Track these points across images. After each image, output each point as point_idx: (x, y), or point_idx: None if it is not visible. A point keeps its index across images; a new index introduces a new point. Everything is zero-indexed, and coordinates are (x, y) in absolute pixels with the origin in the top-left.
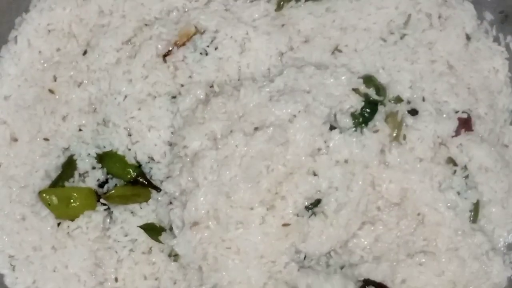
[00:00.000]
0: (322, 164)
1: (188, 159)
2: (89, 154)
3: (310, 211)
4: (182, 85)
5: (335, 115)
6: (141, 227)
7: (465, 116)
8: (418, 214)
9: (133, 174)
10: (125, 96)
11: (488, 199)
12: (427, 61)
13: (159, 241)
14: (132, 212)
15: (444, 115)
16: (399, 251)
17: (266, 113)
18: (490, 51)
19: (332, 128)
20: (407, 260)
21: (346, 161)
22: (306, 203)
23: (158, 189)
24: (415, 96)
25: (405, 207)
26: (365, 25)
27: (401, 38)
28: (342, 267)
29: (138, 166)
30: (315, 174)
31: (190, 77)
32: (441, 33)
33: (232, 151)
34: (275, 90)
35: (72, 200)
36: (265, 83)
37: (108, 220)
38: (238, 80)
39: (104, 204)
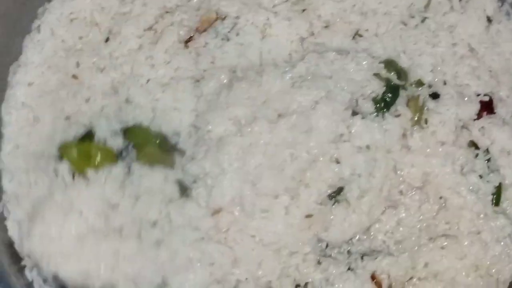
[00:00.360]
0: (344, 151)
1: (213, 144)
2: (111, 128)
3: (333, 199)
4: (204, 70)
5: (356, 101)
6: None
7: (486, 99)
8: (440, 198)
9: (157, 141)
10: (148, 80)
11: (510, 182)
12: (448, 44)
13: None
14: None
15: (466, 98)
16: (421, 235)
17: (288, 100)
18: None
19: (354, 113)
20: (429, 244)
21: (368, 147)
22: (329, 191)
23: (183, 153)
24: (436, 79)
25: (427, 191)
26: (386, 9)
27: (422, 21)
28: (363, 255)
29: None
30: (337, 162)
31: (212, 62)
32: (462, 16)
33: (256, 138)
34: (297, 75)
35: (92, 156)
36: (287, 69)
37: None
38: (260, 65)
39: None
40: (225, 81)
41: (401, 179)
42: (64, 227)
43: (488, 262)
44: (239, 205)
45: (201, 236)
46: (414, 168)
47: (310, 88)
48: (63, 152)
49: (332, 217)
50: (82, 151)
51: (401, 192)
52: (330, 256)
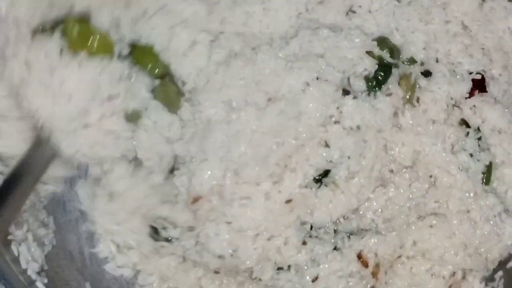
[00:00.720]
0: (334, 134)
1: (201, 127)
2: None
3: (318, 183)
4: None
5: (348, 79)
6: None
7: (479, 77)
8: (430, 177)
9: (161, 70)
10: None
11: (501, 160)
12: (441, 21)
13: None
14: None
15: (458, 77)
16: (410, 214)
17: (280, 82)
18: (505, 11)
19: (345, 93)
20: (418, 223)
21: (358, 128)
22: (315, 175)
23: (183, 94)
24: (428, 57)
25: (417, 170)
26: None
27: None
28: (350, 234)
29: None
30: (326, 145)
31: (221, 23)
32: None
33: (243, 126)
34: (291, 53)
35: (92, 38)
36: (282, 46)
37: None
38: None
39: None
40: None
41: (391, 157)
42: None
43: (477, 241)
44: (217, 193)
45: None
46: (405, 147)
47: (302, 69)
48: (65, 26)
49: (317, 200)
50: (84, 32)
51: (391, 171)
52: (316, 236)
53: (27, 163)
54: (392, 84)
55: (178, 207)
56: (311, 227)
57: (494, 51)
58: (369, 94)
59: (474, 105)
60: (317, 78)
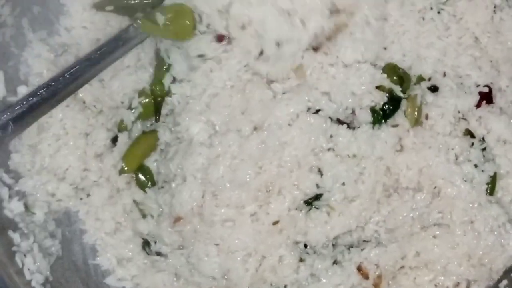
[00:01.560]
0: (326, 162)
1: (184, 144)
2: None
3: (309, 205)
4: None
5: (353, 110)
6: None
7: (486, 90)
8: (434, 187)
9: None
10: None
11: (506, 171)
12: (456, 35)
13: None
14: None
15: (465, 90)
16: (414, 224)
17: (267, 113)
18: None
19: (340, 123)
20: (421, 233)
21: (354, 156)
22: (305, 198)
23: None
24: (436, 72)
25: (421, 181)
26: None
27: (438, 12)
28: (350, 247)
29: None
30: (319, 171)
31: None
32: (470, 3)
33: (224, 150)
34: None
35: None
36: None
37: None
38: None
39: None
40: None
41: (396, 178)
42: None
43: (481, 252)
44: (198, 215)
45: None
46: (411, 170)
47: (291, 100)
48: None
49: (310, 221)
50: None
51: (396, 189)
52: (314, 252)
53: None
54: (398, 115)
55: (164, 226)
56: (306, 245)
57: (502, 62)
58: (373, 127)
59: (480, 116)
60: (309, 109)
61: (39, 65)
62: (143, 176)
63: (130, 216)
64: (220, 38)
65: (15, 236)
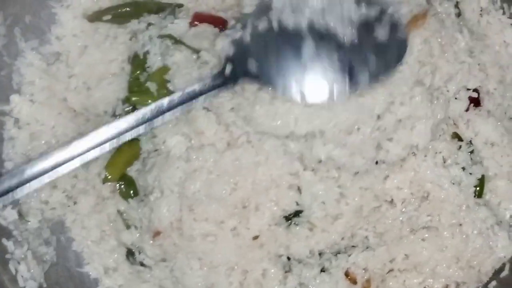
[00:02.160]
0: (304, 180)
1: (161, 157)
2: None
3: (289, 221)
4: None
5: None
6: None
7: (475, 95)
8: (423, 191)
9: None
10: None
11: (493, 173)
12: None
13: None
14: None
15: (456, 96)
16: (403, 227)
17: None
18: (501, 24)
19: None
20: (410, 236)
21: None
22: (285, 214)
23: None
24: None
25: (410, 185)
26: None
27: None
28: (337, 253)
29: None
30: (298, 189)
31: None
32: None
33: (201, 165)
34: None
35: None
36: None
37: None
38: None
39: None
40: None
41: (385, 192)
42: None
43: (469, 254)
44: (177, 229)
45: None
46: (401, 190)
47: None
48: None
49: (292, 236)
50: None
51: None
52: (300, 262)
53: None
54: None
55: (146, 238)
56: (289, 258)
57: (490, 66)
58: None
59: (468, 119)
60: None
61: (32, 74)
62: (125, 186)
63: (114, 226)
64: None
65: (9, 244)
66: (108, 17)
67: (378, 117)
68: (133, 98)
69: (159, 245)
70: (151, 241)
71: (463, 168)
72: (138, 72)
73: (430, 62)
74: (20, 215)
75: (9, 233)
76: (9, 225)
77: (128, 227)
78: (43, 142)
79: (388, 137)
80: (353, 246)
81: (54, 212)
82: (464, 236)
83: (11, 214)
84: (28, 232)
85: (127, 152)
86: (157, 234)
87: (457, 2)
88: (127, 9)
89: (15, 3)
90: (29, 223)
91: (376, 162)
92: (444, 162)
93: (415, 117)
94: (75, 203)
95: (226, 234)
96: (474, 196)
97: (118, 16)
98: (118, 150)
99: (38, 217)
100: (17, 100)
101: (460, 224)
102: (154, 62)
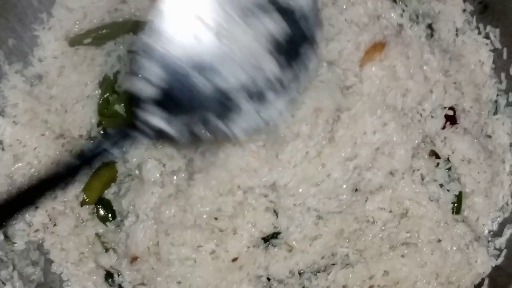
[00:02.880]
0: (279, 204)
1: (136, 181)
2: None
3: (267, 242)
4: None
5: None
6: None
7: (451, 113)
8: (402, 208)
9: None
10: None
11: (471, 189)
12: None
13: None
14: None
15: (432, 114)
16: (382, 244)
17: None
18: (476, 44)
19: None
20: (390, 253)
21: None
22: (261, 236)
23: None
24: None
25: (389, 202)
26: None
27: None
28: (317, 272)
29: None
30: (275, 212)
31: None
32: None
33: (175, 190)
34: None
35: None
36: None
37: None
38: None
39: None
40: None
41: (366, 214)
42: None
43: (449, 270)
44: (154, 254)
45: None
46: (383, 211)
47: None
48: None
49: (270, 257)
50: None
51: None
52: (281, 282)
53: None
54: None
55: (124, 263)
56: (269, 279)
57: (465, 84)
58: None
59: (445, 137)
60: None
61: (15, 96)
62: (103, 209)
63: (92, 249)
64: None
65: None
66: (89, 40)
67: (349, 159)
68: (103, 122)
69: (137, 270)
70: (129, 266)
71: (441, 185)
72: (107, 94)
73: (397, 86)
74: (6, 237)
75: None
76: None
77: (106, 250)
78: (25, 163)
79: (367, 167)
80: (332, 264)
81: (37, 235)
82: (443, 252)
83: None
84: (14, 253)
85: (104, 175)
86: (134, 259)
87: (431, 24)
88: (106, 30)
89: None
90: (15, 245)
91: (356, 190)
92: (422, 180)
93: (392, 142)
94: (54, 225)
95: (205, 257)
96: (452, 213)
97: (98, 38)
98: (95, 173)
99: (25, 239)
100: (0, 122)
101: (439, 240)
102: (123, 82)
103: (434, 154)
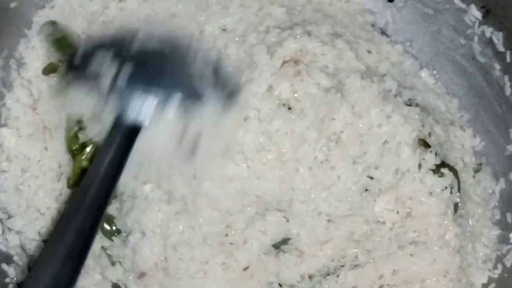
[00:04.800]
0: (295, 212)
1: (139, 200)
2: None
3: (277, 249)
4: None
5: None
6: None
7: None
8: (406, 207)
9: None
10: None
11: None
12: None
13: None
14: None
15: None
16: (391, 244)
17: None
18: None
19: None
20: (398, 252)
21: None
22: (272, 243)
23: None
24: None
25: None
26: None
27: None
28: (326, 275)
29: None
30: (286, 219)
31: None
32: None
33: (182, 208)
34: None
35: None
36: None
37: None
38: None
39: None
40: None
41: (376, 216)
42: None
43: (458, 267)
44: (162, 269)
45: None
46: (392, 212)
47: None
48: None
49: (281, 263)
50: None
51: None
52: (292, 287)
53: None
54: None
55: (131, 278)
56: (280, 285)
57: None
58: None
59: None
60: None
61: (17, 109)
62: (108, 225)
63: (98, 262)
64: None
65: (10, 270)
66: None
67: (358, 157)
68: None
69: (145, 286)
70: (137, 280)
71: (433, 171)
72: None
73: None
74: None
75: (10, 258)
76: (10, 250)
77: (113, 263)
78: (29, 175)
79: (375, 165)
80: (341, 266)
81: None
82: (450, 249)
83: (13, 240)
84: (29, 259)
85: None
86: (142, 275)
87: None
88: None
89: (9, 35)
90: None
91: (366, 190)
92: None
93: (398, 135)
94: None
95: (216, 269)
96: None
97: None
98: None
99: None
100: (5, 133)
101: (447, 238)
102: None
103: (424, 144)
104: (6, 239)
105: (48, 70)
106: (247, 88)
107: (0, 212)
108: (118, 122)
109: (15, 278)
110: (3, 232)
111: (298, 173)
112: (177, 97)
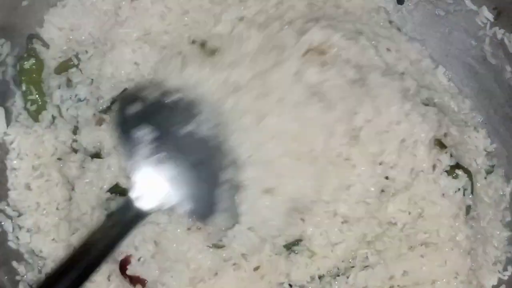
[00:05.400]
0: (313, 213)
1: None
2: None
3: (289, 250)
4: None
5: None
6: None
7: None
8: (418, 208)
9: None
10: None
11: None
12: None
13: None
14: None
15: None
16: (402, 245)
17: None
18: None
19: None
20: (409, 253)
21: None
22: (284, 243)
23: None
24: None
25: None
26: None
27: None
28: (336, 276)
29: None
30: (302, 219)
31: None
32: None
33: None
34: None
35: None
36: None
37: None
38: None
39: None
40: None
41: (388, 217)
42: None
43: (469, 269)
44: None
45: None
46: (404, 213)
47: None
48: None
49: (292, 264)
50: None
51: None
52: (302, 287)
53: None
54: None
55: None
56: (290, 285)
57: None
58: None
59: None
60: None
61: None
62: None
63: None
64: None
65: (20, 267)
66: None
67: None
68: None
69: None
70: None
71: (447, 172)
72: None
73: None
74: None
75: (20, 256)
76: (20, 248)
77: None
78: (41, 173)
79: (392, 165)
80: (351, 267)
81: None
82: (461, 251)
83: (24, 237)
84: (38, 258)
85: None
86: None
87: None
88: None
89: (20, 33)
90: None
91: (382, 191)
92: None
93: (415, 134)
94: None
95: (228, 269)
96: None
97: None
98: None
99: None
100: (15, 130)
101: (458, 239)
102: None
103: (439, 144)
104: (17, 237)
105: (60, 69)
106: (275, 70)
107: (10, 209)
108: (128, 203)
109: (25, 276)
110: (13, 229)
111: (327, 170)
112: (187, 207)
